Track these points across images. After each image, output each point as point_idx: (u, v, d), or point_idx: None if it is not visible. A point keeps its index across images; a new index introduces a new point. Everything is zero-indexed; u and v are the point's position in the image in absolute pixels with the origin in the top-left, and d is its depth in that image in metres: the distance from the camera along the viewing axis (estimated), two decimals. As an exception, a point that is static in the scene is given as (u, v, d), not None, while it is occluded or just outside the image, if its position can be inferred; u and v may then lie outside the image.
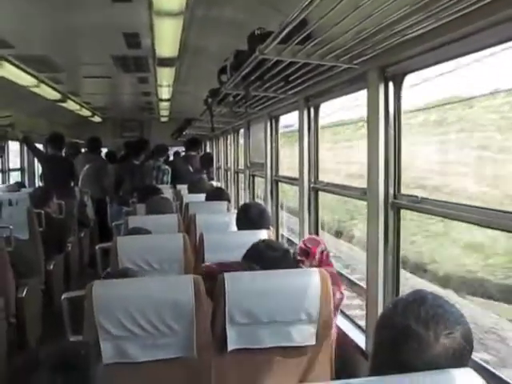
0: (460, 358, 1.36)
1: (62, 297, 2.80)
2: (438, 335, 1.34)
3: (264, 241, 2.92)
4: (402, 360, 1.36)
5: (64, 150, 7.99)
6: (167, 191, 6.60)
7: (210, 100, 4.86)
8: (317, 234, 3.86)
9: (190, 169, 8.33)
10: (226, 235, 3.73)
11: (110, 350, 2.36)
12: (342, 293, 2.81)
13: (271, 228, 3.73)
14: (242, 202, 7.14)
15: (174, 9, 3.57)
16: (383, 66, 2.53)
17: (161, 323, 2.39)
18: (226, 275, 2.52)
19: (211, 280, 2.84)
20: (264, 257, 2.72)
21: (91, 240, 7.71)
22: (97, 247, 4.30)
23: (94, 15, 4.10)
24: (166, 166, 8.11)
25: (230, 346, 2.48)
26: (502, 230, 1.99)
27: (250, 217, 3.65)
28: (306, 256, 2.88)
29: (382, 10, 1.88)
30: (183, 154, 9.49)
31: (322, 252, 2.92)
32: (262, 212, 3.72)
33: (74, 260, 6.44)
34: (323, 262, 2.87)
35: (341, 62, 2.62)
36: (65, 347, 2.06)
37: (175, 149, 11.96)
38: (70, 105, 8.47)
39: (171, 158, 10.92)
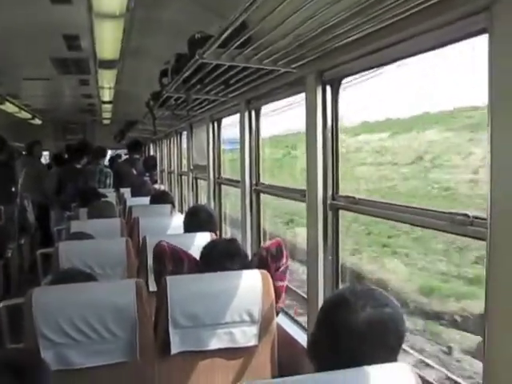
0: (382, 334, 1.47)
1: (0, 305, 2.75)
2: (365, 306, 1.47)
3: (222, 245, 2.83)
4: (331, 323, 1.51)
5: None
6: (110, 194, 6.53)
7: (151, 103, 4.84)
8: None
9: (134, 172, 8.27)
10: (169, 238, 3.70)
11: (52, 358, 2.32)
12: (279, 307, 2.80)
13: (217, 232, 3.74)
14: (185, 205, 7.13)
15: (114, 11, 3.55)
16: (321, 70, 2.59)
17: (103, 328, 2.38)
18: (169, 278, 2.52)
19: (160, 264, 2.82)
20: (221, 267, 2.68)
21: (32, 246, 7.54)
22: (38, 253, 4.22)
23: (33, 16, 4.03)
24: (108, 169, 8.03)
25: (174, 350, 2.49)
26: (437, 230, 2.06)
27: (198, 220, 3.64)
28: (264, 267, 2.76)
29: (320, 15, 1.93)
30: (125, 156, 9.41)
31: (279, 267, 2.80)
32: (210, 215, 3.72)
33: (14, 266, 6.29)
34: (276, 276, 2.76)
35: (279, 65, 2.65)
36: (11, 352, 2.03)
37: (119, 151, 11.84)
38: (9, 107, 8.26)
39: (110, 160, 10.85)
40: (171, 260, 2.81)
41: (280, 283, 2.78)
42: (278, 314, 2.74)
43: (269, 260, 2.79)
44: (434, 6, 1.64)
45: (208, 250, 2.80)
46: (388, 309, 1.48)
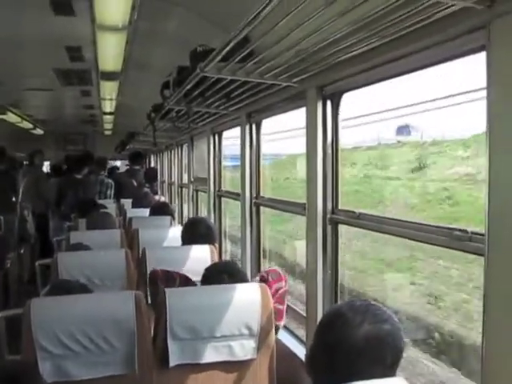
0: (380, 351, 1.46)
1: None
2: (363, 322, 1.46)
3: (222, 264, 2.91)
4: (329, 338, 1.50)
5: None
6: (110, 205, 6.53)
7: (152, 115, 4.86)
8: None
9: (134, 183, 8.28)
10: (168, 250, 3.72)
11: (49, 369, 2.31)
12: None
13: (215, 244, 3.74)
14: (186, 217, 7.13)
15: (117, 23, 3.57)
16: (321, 84, 2.60)
17: (101, 340, 2.37)
18: (168, 290, 2.52)
19: (155, 285, 2.84)
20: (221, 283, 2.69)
21: (32, 256, 7.52)
22: (37, 263, 4.22)
23: (36, 28, 4.06)
24: (110, 180, 8.04)
25: (172, 362, 2.48)
26: (438, 246, 2.07)
27: (197, 232, 3.62)
28: None
29: (322, 30, 1.95)
30: (126, 167, 9.43)
31: (279, 289, 2.80)
32: (209, 227, 3.70)
33: (13, 277, 6.28)
34: (275, 298, 2.76)
35: (280, 80, 2.67)
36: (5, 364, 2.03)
37: (117, 163, 11.88)
38: (11, 117, 8.29)
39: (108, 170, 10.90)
40: (164, 280, 2.82)
41: (279, 306, 2.78)
42: (277, 332, 2.73)
43: (270, 280, 2.79)
44: (434, 23, 1.66)
45: (208, 270, 2.81)
46: (387, 325, 1.47)
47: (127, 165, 9.30)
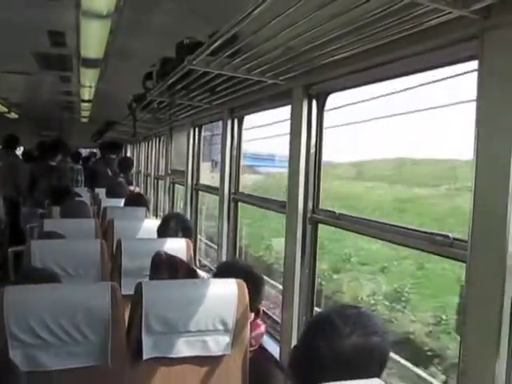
0: (366, 363, 1.45)
1: None
2: (352, 332, 1.44)
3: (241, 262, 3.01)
4: (315, 344, 1.47)
5: None
6: (85, 194, 6.46)
7: (134, 105, 4.81)
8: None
9: (109, 172, 8.22)
10: (143, 242, 3.69)
11: (20, 358, 2.27)
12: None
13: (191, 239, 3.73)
14: (161, 209, 7.09)
15: (102, 10, 3.52)
16: (308, 84, 2.61)
17: (75, 331, 2.34)
18: (144, 283, 2.51)
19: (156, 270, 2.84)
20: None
21: (1, 242, 7.42)
22: (9, 250, 4.16)
23: (19, 10, 3.98)
24: (79, 166, 8.05)
25: (146, 355, 2.47)
26: (419, 250, 2.09)
27: (172, 228, 3.63)
28: None
29: (312, 32, 1.95)
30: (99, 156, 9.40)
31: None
32: (186, 224, 3.71)
33: None
34: (260, 316, 2.80)
35: (267, 77, 2.67)
36: None
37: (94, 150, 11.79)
38: (-16, 100, 8.14)
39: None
40: (167, 265, 2.83)
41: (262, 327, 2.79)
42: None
43: None
44: (428, 30, 1.67)
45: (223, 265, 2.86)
46: (376, 337, 1.46)
47: (101, 153, 9.24)
